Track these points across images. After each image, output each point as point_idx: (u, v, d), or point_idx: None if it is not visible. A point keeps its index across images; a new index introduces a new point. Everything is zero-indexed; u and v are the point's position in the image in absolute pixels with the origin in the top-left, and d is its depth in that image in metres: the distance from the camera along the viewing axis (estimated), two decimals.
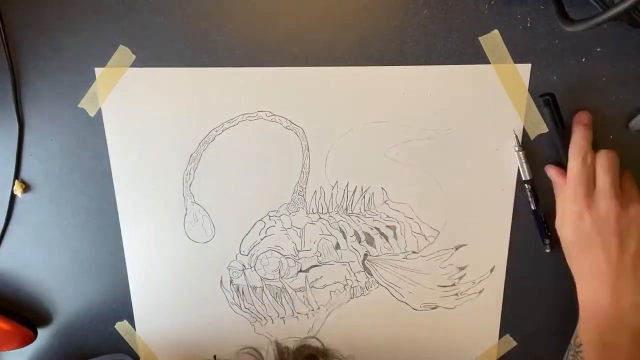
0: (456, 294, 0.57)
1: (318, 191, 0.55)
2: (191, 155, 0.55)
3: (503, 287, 0.56)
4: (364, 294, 0.58)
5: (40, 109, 0.55)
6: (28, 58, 0.53)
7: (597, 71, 0.47)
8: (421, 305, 0.58)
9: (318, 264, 0.57)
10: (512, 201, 0.53)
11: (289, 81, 0.51)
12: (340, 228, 0.56)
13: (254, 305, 0.60)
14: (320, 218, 0.56)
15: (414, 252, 0.56)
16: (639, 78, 0.47)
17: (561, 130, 0.48)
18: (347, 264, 0.57)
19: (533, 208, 0.52)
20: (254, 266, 0.58)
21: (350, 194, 0.54)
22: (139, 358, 0.64)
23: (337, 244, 0.56)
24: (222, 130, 0.53)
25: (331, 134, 0.52)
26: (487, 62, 0.48)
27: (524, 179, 0.51)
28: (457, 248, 0.55)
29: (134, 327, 0.63)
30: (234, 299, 0.60)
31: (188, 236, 0.58)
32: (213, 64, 0.51)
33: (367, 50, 0.49)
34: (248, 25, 0.49)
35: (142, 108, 0.53)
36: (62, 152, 0.56)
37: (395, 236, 0.55)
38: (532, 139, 0.50)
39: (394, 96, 0.50)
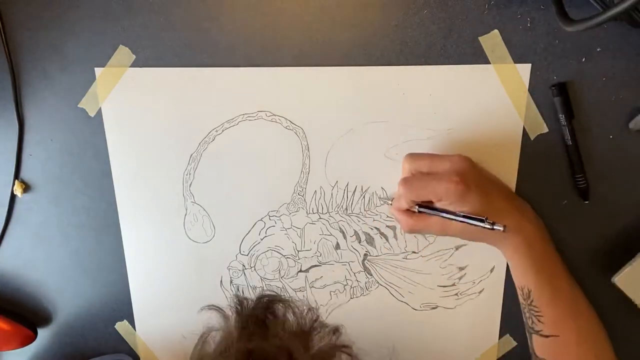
0: (456, 294, 0.57)
1: (318, 191, 0.54)
2: (191, 155, 0.55)
3: (503, 287, 0.56)
4: (364, 294, 0.58)
5: (40, 109, 0.55)
6: (28, 58, 0.53)
7: (597, 71, 0.47)
8: (421, 305, 0.58)
9: (318, 264, 0.57)
10: None
11: (289, 81, 0.51)
12: (340, 228, 0.56)
13: None
14: (320, 218, 0.56)
15: (414, 252, 0.56)
16: (639, 78, 0.47)
17: (571, 119, 0.48)
18: (347, 264, 0.57)
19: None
20: (254, 266, 0.58)
21: (350, 194, 0.54)
22: (139, 358, 0.64)
23: (337, 244, 0.56)
24: (222, 130, 0.53)
25: (331, 134, 0.52)
26: (487, 62, 0.48)
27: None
28: (457, 248, 0.55)
29: (134, 327, 0.63)
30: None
31: (188, 236, 0.58)
32: (213, 64, 0.51)
33: (367, 50, 0.49)
34: (248, 25, 0.49)
35: (142, 108, 0.53)
36: (62, 152, 0.56)
37: (395, 236, 0.55)
38: (532, 139, 0.50)
39: (394, 96, 0.50)
